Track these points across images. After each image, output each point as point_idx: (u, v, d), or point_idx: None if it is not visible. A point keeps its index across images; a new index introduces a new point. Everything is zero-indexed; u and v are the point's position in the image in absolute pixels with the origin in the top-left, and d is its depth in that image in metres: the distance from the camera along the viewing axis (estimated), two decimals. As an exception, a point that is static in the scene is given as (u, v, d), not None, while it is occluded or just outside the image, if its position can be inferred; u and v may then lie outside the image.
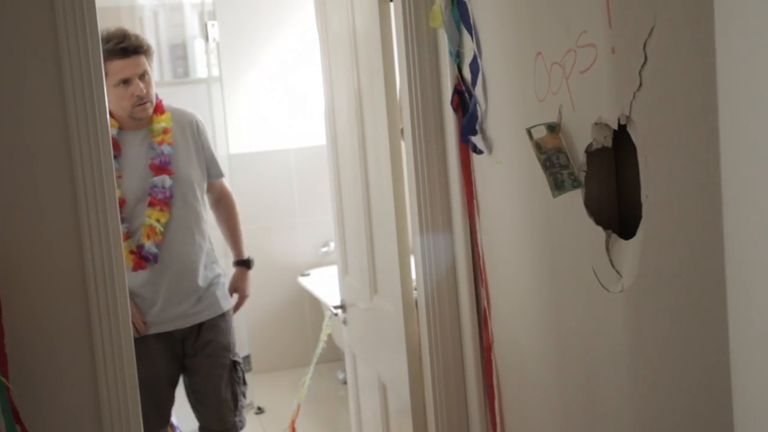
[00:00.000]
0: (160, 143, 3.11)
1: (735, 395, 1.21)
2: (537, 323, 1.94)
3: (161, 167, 3.10)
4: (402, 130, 2.55)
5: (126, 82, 3.02)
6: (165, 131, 3.13)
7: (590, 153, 1.62)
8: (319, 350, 3.72)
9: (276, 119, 5.65)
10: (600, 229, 1.60)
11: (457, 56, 2.21)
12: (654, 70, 1.36)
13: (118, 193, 2.92)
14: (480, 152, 2.25)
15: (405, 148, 2.49)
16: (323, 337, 3.67)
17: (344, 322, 3.37)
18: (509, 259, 2.09)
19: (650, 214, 1.43)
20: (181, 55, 5.03)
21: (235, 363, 3.34)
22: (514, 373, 2.14)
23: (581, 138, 1.61)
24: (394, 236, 2.64)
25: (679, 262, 1.36)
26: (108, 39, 2.97)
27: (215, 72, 5.21)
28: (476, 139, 2.19)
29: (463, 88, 2.23)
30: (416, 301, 2.62)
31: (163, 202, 3.09)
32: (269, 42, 5.60)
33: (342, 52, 3.04)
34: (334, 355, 5.30)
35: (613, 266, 1.56)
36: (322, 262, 5.67)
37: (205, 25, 5.15)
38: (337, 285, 3.49)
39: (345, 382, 3.87)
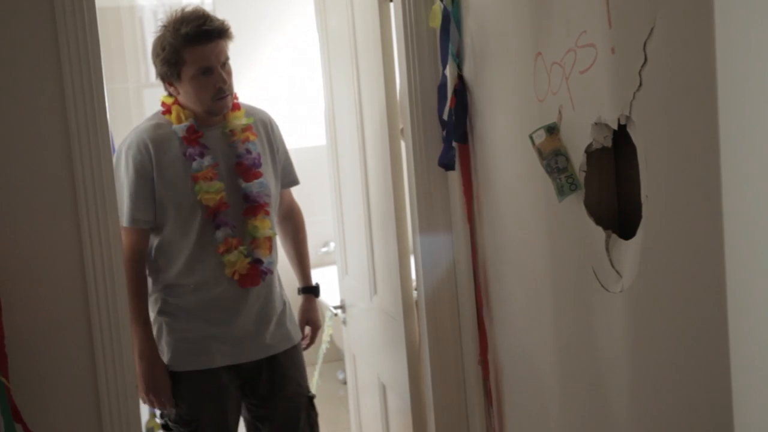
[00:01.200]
0: (245, 141, 2.60)
1: (735, 395, 1.21)
2: (537, 323, 1.94)
3: (252, 169, 2.58)
4: (402, 130, 2.55)
5: (207, 71, 2.50)
6: (246, 128, 2.62)
7: (590, 153, 1.62)
8: (323, 350, 3.70)
9: (275, 119, 5.64)
10: (600, 229, 1.60)
11: (457, 56, 2.21)
12: (654, 70, 1.36)
13: (220, 196, 2.49)
14: (451, 168, 2.30)
15: (405, 148, 2.49)
16: (326, 337, 3.66)
17: (344, 322, 3.37)
18: (509, 259, 2.09)
19: (650, 214, 1.43)
20: (181, 55, 5.02)
21: (310, 399, 2.84)
22: (514, 373, 2.14)
23: (581, 138, 1.61)
24: (394, 236, 2.64)
25: (679, 262, 1.36)
26: (184, 21, 2.47)
27: (215, 72, 5.20)
28: (474, 145, 2.19)
29: (462, 88, 2.23)
30: (416, 301, 2.62)
31: (265, 209, 2.58)
32: (268, 42, 5.60)
33: (342, 52, 3.04)
34: (334, 355, 5.30)
35: (613, 266, 1.56)
36: (322, 262, 5.66)
37: (205, 25, 5.15)
38: (337, 285, 3.49)
39: (345, 382, 3.87)
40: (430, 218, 2.41)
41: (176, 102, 2.57)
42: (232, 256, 2.51)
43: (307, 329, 2.95)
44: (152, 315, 2.61)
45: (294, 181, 2.87)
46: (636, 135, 1.44)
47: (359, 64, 2.85)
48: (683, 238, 1.34)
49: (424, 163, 2.39)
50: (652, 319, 1.45)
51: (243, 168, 2.57)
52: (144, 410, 3.42)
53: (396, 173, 2.63)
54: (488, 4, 2.04)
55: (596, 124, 1.56)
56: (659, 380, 1.45)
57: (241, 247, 2.52)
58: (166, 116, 2.56)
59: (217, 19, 2.51)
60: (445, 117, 2.30)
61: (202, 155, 2.51)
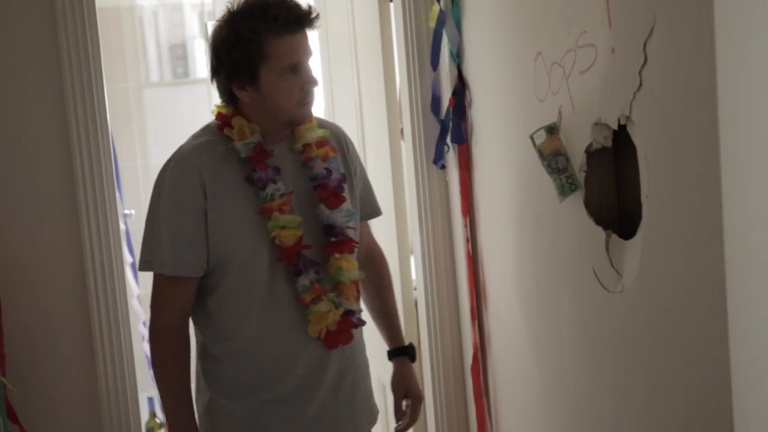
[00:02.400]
0: (325, 158, 1.95)
1: (735, 395, 1.21)
2: (536, 323, 1.93)
3: (336, 193, 1.93)
4: (402, 130, 2.55)
5: (294, 68, 1.88)
6: (323, 143, 1.97)
7: (590, 153, 1.62)
8: None
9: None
10: (600, 229, 1.60)
11: (457, 56, 2.22)
12: (654, 70, 1.36)
13: (301, 233, 1.87)
14: (443, 167, 2.33)
15: (405, 148, 2.49)
16: None
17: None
18: (509, 260, 2.08)
19: (650, 214, 1.43)
20: (181, 55, 5.02)
21: None
22: (513, 373, 2.14)
23: (581, 138, 1.61)
24: (394, 236, 2.64)
25: (679, 262, 1.36)
26: (267, 5, 1.87)
27: (215, 72, 5.20)
28: (474, 148, 2.20)
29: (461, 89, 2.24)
30: (416, 301, 2.62)
31: (351, 245, 1.94)
32: (269, 42, 5.59)
33: (342, 52, 3.04)
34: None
35: (613, 266, 1.56)
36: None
37: (205, 25, 5.15)
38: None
39: (345, 382, 3.86)
40: (430, 218, 2.42)
41: (237, 112, 1.92)
42: (322, 306, 1.86)
43: (406, 403, 2.12)
44: (198, 391, 1.96)
45: (375, 212, 2.14)
46: (636, 135, 1.44)
47: (359, 64, 2.85)
48: (683, 238, 1.34)
49: (423, 162, 2.39)
50: (652, 319, 1.45)
51: (327, 192, 1.93)
52: (144, 410, 3.42)
53: (396, 173, 2.64)
54: (488, 4, 2.04)
55: (596, 124, 1.56)
56: (659, 380, 1.45)
57: (331, 294, 1.89)
58: (226, 131, 1.90)
59: (302, 5, 1.93)
60: (442, 116, 2.31)
61: (273, 180, 1.89)
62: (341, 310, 1.88)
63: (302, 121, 1.93)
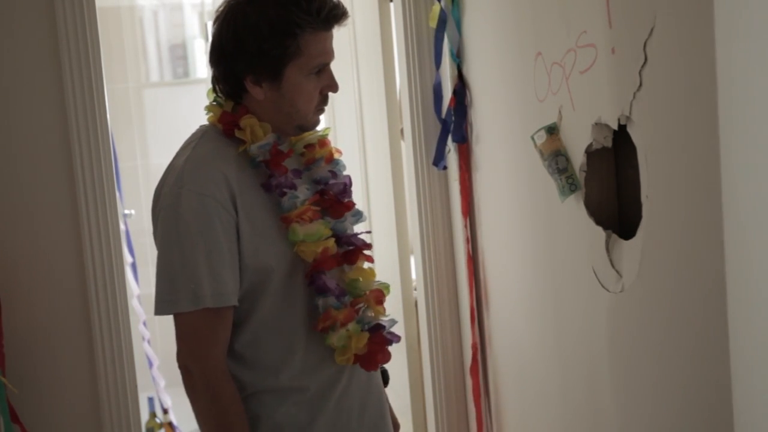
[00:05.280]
0: (329, 160, 1.73)
1: (735, 395, 1.21)
2: (537, 323, 1.94)
3: (342, 199, 1.71)
4: (402, 130, 2.55)
5: (322, 70, 1.65)
6: (324, 142, 1.75)
7: (590, 153, 1.62)
8: None
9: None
10: (600, 229, 1.60)
11: (457, 56, 2.22)
12: (654, 70, 1.36)
13: (324, 247, 1.62)
14: (445, 168, 2.34)
15: (405, 148, 2.49)
16: None
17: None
18: (509, 260, 2.09)
19: (650, 214, 1.43)
20: (181, 55, 5.02)
21: None
22: (514, 372, 2.14)
23: (581, 138, 1.61)
24: (394, 236, 2.64)
25: (679, 262, 1.36)
26: None
27: (215, 72, 5.20)
28: (474, 148, 2.20)
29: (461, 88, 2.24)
30: (416, 301, 2.62)
31: (365, 253, 1.71)
32: (269, 42, 5.58)
33: (342, 52, 3.04)
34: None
35: (613, 266, 1.56)
36: (322, 262, 5.64)
37: (205, 25, 5.15)
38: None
39: (345, 382, 3.86)
40: (430, 218, 2.42)
41: (245, 110, 1.65)
42: (335, 338, 1.61)
43: None
44: None
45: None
46: (636, 135, 1.44)
47: (359, 64, 2.85)
48: (683, 238, 1.34)
49: (424, 162, 2.39)
50: (652, 319, 1.45)
51: (329, 199, 1.70)
52: (144, 410, 3.42)
53: (396, 173, 2.64)
54: (488, 4, 2.04)
55: (596, 124, 1.56)
56: (659, 379, 1.45)
57: (351, 325, 1.63)
58: (237, 133, 1.63)
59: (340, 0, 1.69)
60: (443, 116, 2.31)
61: (293, 186, 1.65)
62: (365, 335, 1.63)
63: (312, 127, 1.71)
